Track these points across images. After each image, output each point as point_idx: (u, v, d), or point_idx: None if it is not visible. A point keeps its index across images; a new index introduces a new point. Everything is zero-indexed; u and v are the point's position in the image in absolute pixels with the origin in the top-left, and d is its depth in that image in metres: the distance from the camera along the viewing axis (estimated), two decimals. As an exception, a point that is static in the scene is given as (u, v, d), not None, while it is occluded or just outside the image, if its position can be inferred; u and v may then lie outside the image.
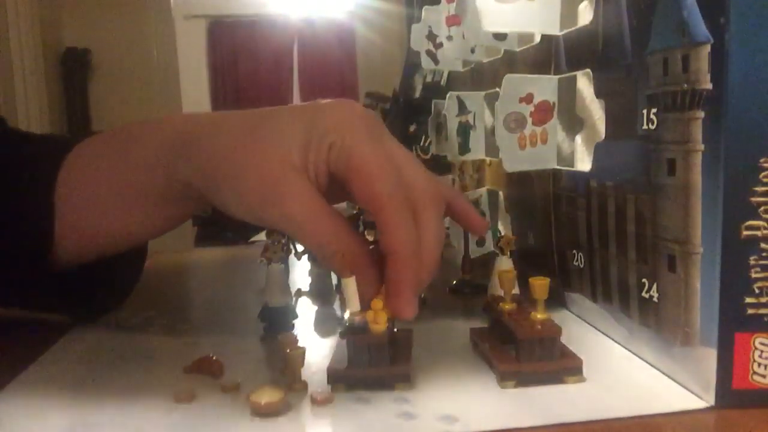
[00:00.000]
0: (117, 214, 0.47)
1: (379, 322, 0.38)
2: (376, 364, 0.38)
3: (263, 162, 0.39)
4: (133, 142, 0.47)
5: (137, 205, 0.47)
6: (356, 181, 0.38)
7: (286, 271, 0.53)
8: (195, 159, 0.42)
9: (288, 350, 0.39)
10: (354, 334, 0.38)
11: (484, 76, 0.69)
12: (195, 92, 5.00)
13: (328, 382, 0.38)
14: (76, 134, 0.64)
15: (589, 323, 0.50)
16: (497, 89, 0.50)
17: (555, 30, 0.49)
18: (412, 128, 1.12)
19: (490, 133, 0.61)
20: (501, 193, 0.66)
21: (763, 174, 0.33)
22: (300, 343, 0.41)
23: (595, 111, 0.46)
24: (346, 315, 0.41)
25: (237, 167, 0.40)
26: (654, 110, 0.38)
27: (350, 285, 0.38)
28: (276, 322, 0.50)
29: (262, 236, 0.53)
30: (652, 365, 0.41)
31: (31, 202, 0.47)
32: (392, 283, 0.38)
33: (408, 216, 0.38)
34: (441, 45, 0.68)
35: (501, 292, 0.44)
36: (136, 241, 0.51)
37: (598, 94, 0.45)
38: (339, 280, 0.63)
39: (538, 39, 0.55)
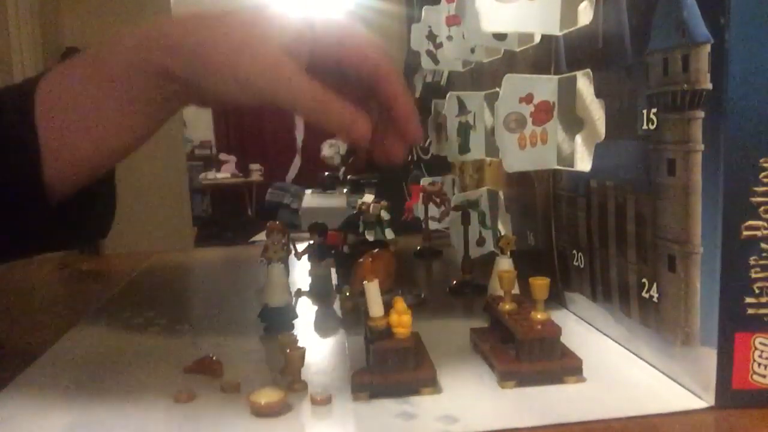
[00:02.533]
0: (100, 123, 0.47)
1: (404, 325, 0.37)
2: (401, 370, 0.37)
3: (260, 46, 0.44)
4: (107, 50, 0.47)
5: (118, 111, 0.47)
6: (358, 61, 0.47)
7: (286, 271, 0.53)
8: (180, 50, 0.45)
9: (288, 350, 0.39)
10: (381, 340, 0.37)
11: (484, 76, 0.69)
12: (195, 92, 4.99)
13: (353, 391, 0.37)
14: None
15: (589, 323, 0.50)
16: (497, 89, 0.50)
17: (555, 30, 0.49)
18: (412, 128, 1.12)
19: (490, 133, 0.61)
20: (501, 193, 0.66)
21: (763, 174, 0.33)
22: (300, 343, 0.41)
23: (595, 111, 0.46)
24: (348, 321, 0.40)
25: (234, 52, 0.44)
26: (654, 110, 0.38)
27: (372, 290, 0.37)
28: (276, 322, 0.50)
29: (262, 236, 0.53)
30: (652, 365, 0.41)
31: (13, 129, 0.46)
32: (410, 112, 0.47)
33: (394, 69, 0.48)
34: (441, 45, 0.68)
35: (501, 292, 0.44)
36: (122, 150, 0.50)
37: (598, 94, 0.45)
38: (339, 281, 0.63)
39: (538, 39, 0.55)
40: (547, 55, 0.54)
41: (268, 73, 0.44)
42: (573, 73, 0.48)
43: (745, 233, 0.33)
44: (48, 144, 0.46)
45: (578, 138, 0.48)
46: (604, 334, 0.47)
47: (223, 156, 5.37)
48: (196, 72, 0.44)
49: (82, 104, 0.47)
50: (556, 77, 0.50)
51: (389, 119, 0.48)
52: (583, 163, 0.47)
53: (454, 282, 0.62)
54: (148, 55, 0.45)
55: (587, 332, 0.48)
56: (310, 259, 0.62)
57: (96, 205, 0.54)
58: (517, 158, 0.50)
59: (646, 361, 0.41)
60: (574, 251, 0.51)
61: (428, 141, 0.80)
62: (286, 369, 0.40)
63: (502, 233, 0.64)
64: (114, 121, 0.47)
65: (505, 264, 0.51)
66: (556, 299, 0.55)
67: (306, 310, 0.57)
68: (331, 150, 4.49)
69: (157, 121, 0.49)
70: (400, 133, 0.48)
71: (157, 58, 0.45)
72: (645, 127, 0.39)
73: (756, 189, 0.33)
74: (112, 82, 0.46)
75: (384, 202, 0.77)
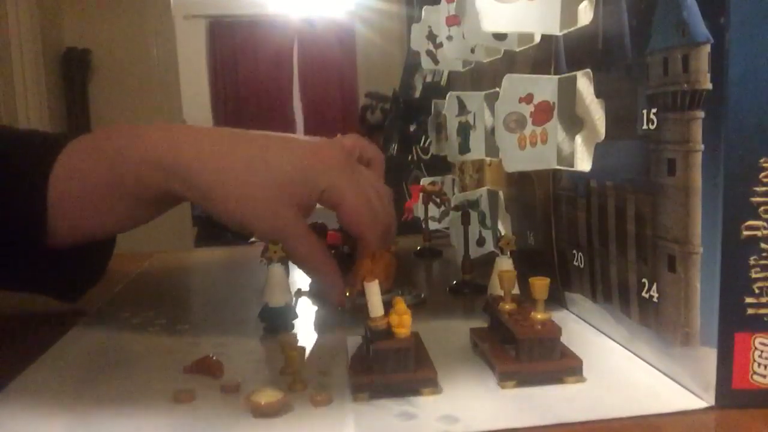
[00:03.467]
0: (104, 211, 0.52)
1: (404, 326, 0.37)
2: (401, 370, 0.37)
3: (262, 195, 0.49)
4: (120, 154, 0.51)
5: (123, 206, 0.52)
6: (346, 217, 0.53)
7: (286, 271, 0.53)
8: (186, 180, 0.49)
9: (288, 350, 0.39)
10: (381, 340, 0.37)
11: (484, 76, 0.69)
12: (195, 92, 5.00)
13: (353, 392, 0.37)
14: (71, 131, 0.70)
15: (589, 323, 0.50)
16: (497, 89, 0.50)
17: (555, 30, 0.49)
18: (412, 128, 1.13)
19: (490, 133, 0.61)
20: (501, 193, 0.66)
21: (763, 174, 0.33)
22: (300, 343, 0.41)
23: (595, 111, 0.46)
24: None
25: (236, 195, 0.48)
26: (654, 110, 0.38)
27: (373, 290, 0.37)
28: (276, 322, 0.50)
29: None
30: (652, 365, 0.41)
31: (26, 195, 0.51)
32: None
33: (378, 236, 0.54)
34: (441, 45, 0.68)
35: (501, 292, 0.44)
36: (120, 230, 0.56)
37: (598, 94, 0.45)
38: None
39: (538, 39, 0.55)
40: (547, 55, 0.54)
41: (265, 223, 0.49)
42: (573, 73, 0.48)
43: (745, 233, 0.33)
44: (56, 223, 0.51)
45: (578, 138, 0.48)
46: (604, 335, 0.47)
47: (223, 156, 5.36)
48: (199, 199, 0.50)
49: (94, 200, 0.52)
50: (556, 77, 0.50)
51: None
52: (583, 163, 0.47)
53: (454, 282, 0.62)
54: (154, 175, 0.49)
55: (587, 332, 0.48)
56: (310, 259, 0.62)
57: (91, 254, 0.58)
58: (517, 158, 0.50)
59: (646, 361, 0.41)
60: (574, 251, 0.51)
61: (428, 141, 0.80)
62: (287, 369, 0.40)
63: (502, 233, 0.64)
64: (122, 215, 0.53)
65: (505, 264, 0.51)
66: (556, 299, 0.55)
67: (306, 310, 0.57)
68: (331, 150, 4.48)
69: (165, 212, 0.55)
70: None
71: (163, 180, 0.49)
72: (645, 127, 0.39)
73: (756, 189, 0.33)
74: (123, 186, 0.51)
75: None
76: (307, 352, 0.39)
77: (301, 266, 0.52)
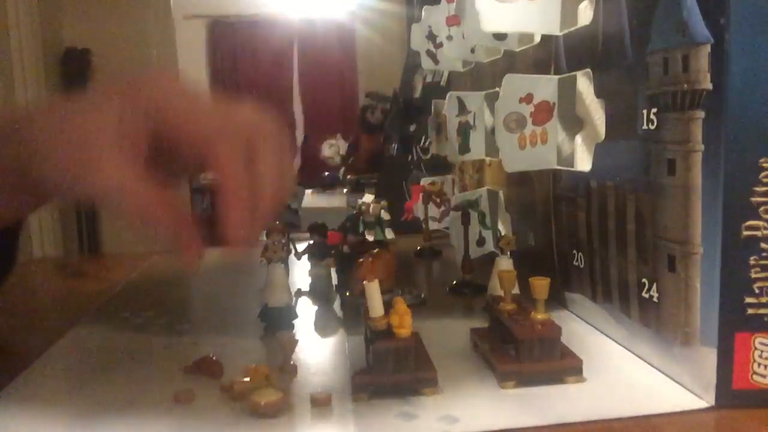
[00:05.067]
0: None
1: (404, 326, 0.37)
2: (401, 370, 0.37)
3: (80, 139, 0.40)
4: None
5: None
6: (179, 133, 0.40)
7: (286, 271, 0.53)
8: (15, 147, 0.42)
9: (280, 336, 0.39)
10: (381, 340, 0.37)
11: (484, 76, 0.69)
12: (195, 92, 4.99)
13: (353, 392, 0.37)
14: None
15: (589, 323, 0.50)
16: (497, 89, 0.50)
17: (555, 30, 0.49)
18: (412, 128, 1.13)
19: (490, 133, 0.61)
20: (501, 193, 0.66)
21: (763, 174, 0.33)
22: (299, 343, 0.41)
23: (595, 111, 0.46)
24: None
25: (56, 147, 0.41)
26: (654, 110, 0.38)
27: (373, 290, 0.37)
28: (276, 322, 0.50)
29: (262, 236, 0.53)
30: (652, 365, 0.41)
31: None
32: (223, 214, 0.41)
33: (236, 151, 0.41)
34: (441, 45, 0.68)
35: (501, 292, 0.44)
36: None
37: (598, 94, 0.45)
38: (339, 281, 0.63)
39: (538, 39, 0.55)
40: (547, 55, 0.54)
41: (91, 175, 0.40)
42: (573, 73, 0.48)
43: (745, 233, 0.33)
44: None
45: (578, 138, 0.48)
46: (604, 334, 0.47)
47: (223, 156, 5.37)
48: (34, 172, 0.42)
49: None
50: (556, 77, 0.50)
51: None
52: (583, 163, 0.47)
53: (454, 282, 0.62)
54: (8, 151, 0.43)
55: (587, 332, 0.48)
56: (310, 259, 0.62)
57: None
58: (517, 158, 0.50)
59: (646, 361, 0.41)
60: (574, 251, 0.51)
61: (428, 141, 0.80)
62: (278, 352, 0.40)
63: (502, 233, 0.64)
64: None
65: (505, 264, 0.51)
66: (556, 299, 0.55)
67: (306, 310, 0.57)
68: (331, 150, 4.49)
69: (15, 209, 0.47)
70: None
71: (12, 160, 0.42)
72: (645, 127, 0.39)
73: (756, 189, 0.33)
74: None
75: (384, 202, 0.77)
76: (307, 352, 0.39)
77: (135, 219, 0.41)
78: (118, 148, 0.40)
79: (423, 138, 1.01)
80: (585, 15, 0.47)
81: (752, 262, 0.33)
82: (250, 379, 0.37)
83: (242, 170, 0.40)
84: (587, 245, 0.49)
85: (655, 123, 0.38)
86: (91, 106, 0.42)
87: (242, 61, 5.78)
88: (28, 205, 0.48)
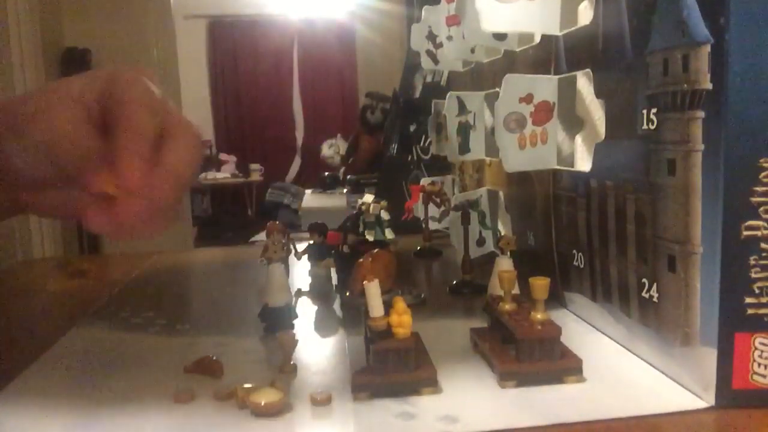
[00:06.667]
0: None
1: (404, 326, 0.37)
2: (401, 370, 0.37)
3: (47, 102, 0.41)
4: None
5: None
6: (115, 96, 0.41)
7: (286, 271, 0.53)
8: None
9: (281, 336, 0.39)
10: (381, 341, 0.37)
11: (484, 76, 0.69)
12: (195, 92, 5.00)
13: (353, 391, 0.37)
14: None
15: (588, 323, 0.50)
16: (497, 89, 0.50)
17: (555, 30, 0.49)
18: (412, 128, 1.13)
19: (490, 133, 0.61)
20: (501, 193, 0.66)
21: (763, 174, 0.33)
22: (299, 343, 0.41)
23: (595, 111, 0.46)
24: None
25: (25, 115, 0.41)
26: (654, 110, 0.38)
27: (373, 290, 0.37)
28: (276, 322, 0.50)
29: (262, 236, 0.53)
30: (652, 365, 0.41)
31: None
32: (119, 150, 0.39)
33: (149, 121, 0.40)
34: (441, 45, 0.68)
35: (501, 292, 0.44)
36: None
37: (598, 94, 0.45)
38: (339, 280, 0.63)
39: (538, 39, 0.55)
40: (547, 55, 0.54)
41: (39, 125, 0.40)
42: (573, 73, 0.48)
43: (745, 233, 0.33)
44: None
45: (578, 138, 0.48)
46: (604, 334, 0.47)
47: (223, 156, 5.37)
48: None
49: None
50: (556, 77, 0.50)
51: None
52: (583, 163, 0.47)
53: (454, 282, 0.62)
54: None
55: (587, 332, 0.48)
56: (310, 259, 0.62)
57: None
58: (517, 158, 0.50)
59: (646, 361, 0.41)
60: (574, 251, 0.51)
61: (428, 141, 0.80)
62: (285, 367, 0.40)
63: (502, 233, 0.64)
64: None
65: (505, 264, 0.51)
66: (556, 299, 0.55)
67: (306, 310, 0.57)
68: (331, 150, 4.49)
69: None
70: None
71: None
72: (645, 127, 0.39)
73: (756, 189, 0.33)
74: None
75: (384, 202, 0.77)
76: (307, 352, 0.39)
77: (64, 153, 0.40)
78: (71, 102, 0.41)
79: (423, 138, 1.01)
80: (585, 15, 0.47)
81: (752, 262, 0.33)
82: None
83: (149, 123, 0.40)
84: (587, 245, 0.49)
85: (655, 123, 0.38)
86: (60, 84, 0.42)
87: (242, 61, 5.78)
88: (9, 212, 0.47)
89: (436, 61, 0.72)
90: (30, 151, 0.41)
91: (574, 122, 0.48)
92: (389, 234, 0.76)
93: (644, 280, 0.41)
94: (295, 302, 0.53)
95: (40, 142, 0.41)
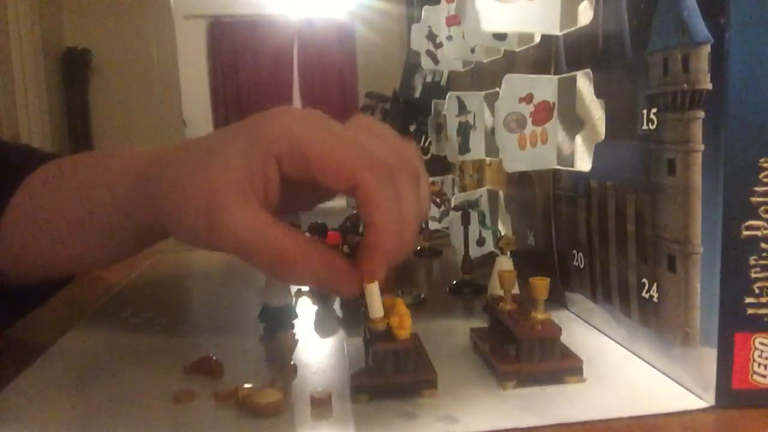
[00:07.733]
0: (70, 245, 0.47)
1: (404, 327, 0.37)
2: (401, 371, 0.37)
3: (203, 190, 0.37)
4: (91, 180, 0.46)
5: (92, 240, 0.46)
6: (322, 170, 0.36)
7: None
8: (147, 197, 0.41)
9: (280, 339, 0.39)
10: (381, 342, 0.37)
11: (484, 76, 0.69)
12: (195, 92, 5.00)
13: (352, 393, 0.37)
14: (47, 150, 0.61)
15: (589, 323, 0.50)
16: (497, 89, 0.50)
17: (555, 30, 0.49)
18: (412, 128, 1.12)
19: (490, 133, 0.61)
20: (501, 193, 0.66)
21: (763, 174, 0.33)
22: (299, 343, 0.41)
23: (595, 111, 0.46)
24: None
25: (180, 199, 0.38)
26: (654, 110, 0.38)
27: (372, 291, 0.37)
28: (276, 322, 0.50)
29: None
30: (652, 365, 0.41)
31: None
32: (370, 247, 0.36)
33: (387, 188, 0.36)
34: (441, 45, 0.68)
35: (501, 292, 0.44)
36: (84, 270, 0.50)
37: (598, 94, 0.45)
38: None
39: (538, 39, 0.55)
40: (547, 55, 0.54)
41: (216, 236, 0.37)
42: (573, 73, 0.48)
43: (745, 233, 0.33)
44: (6, 245, 0.46)
45: (578, 138, 0.48)
46: (604, 334, 0.47)
47: (223, 156, 5.36)
48: (161, 224, 0.40)
49: (58, 228, 0.46)
50: (556, 77, 0.50)
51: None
52: (583, 163, 0.47)
53: (454, 282, 0.62)
54: (138, 205, 0.42)
55: (587, 332, 0.48)
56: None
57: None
58: (517, 158, 0.50)
59: (646, 361, 0.41)
60: (574, 251, 0.51)
61: (428, 141, 0.80)
62: (279, 353, 0.40)
63: (502, 233, 0.64)
64: (84, 249, 0.47)
65: (505, 264, 0.51)
66: (556, 299, 0.55)
67: (306, 310, 0.57)
68: (331, 150, 4.48)
69: (128, 254, 0.48)
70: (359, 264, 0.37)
71: (144, 210, 0.42)
72: (645, 127, 0.39)
73: (756, 189, 0.33)
74: (91, 218, 0.45)
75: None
76: (307, 352, 0.39)
77: (253, 260, 0.37)
78: (244, 196, 0.36)
79: (423, 138, 1.01)
80: (585, 15, 0.47)
81: (752, 262, 0.33)
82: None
83: (394, 202, 0.36)
84: (587, 245, 0.49)
85: (655, 123, 0.38)
86: (217, 155, 0.38)
87: (242, 61, 5.78)
88: (129, 253, 0.48)
89: (436, 61, 0.72)
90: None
91: (574, 122, 0.48)
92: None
93: (644, 280, 0.41)
94: (295, 302, 0.53)
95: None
